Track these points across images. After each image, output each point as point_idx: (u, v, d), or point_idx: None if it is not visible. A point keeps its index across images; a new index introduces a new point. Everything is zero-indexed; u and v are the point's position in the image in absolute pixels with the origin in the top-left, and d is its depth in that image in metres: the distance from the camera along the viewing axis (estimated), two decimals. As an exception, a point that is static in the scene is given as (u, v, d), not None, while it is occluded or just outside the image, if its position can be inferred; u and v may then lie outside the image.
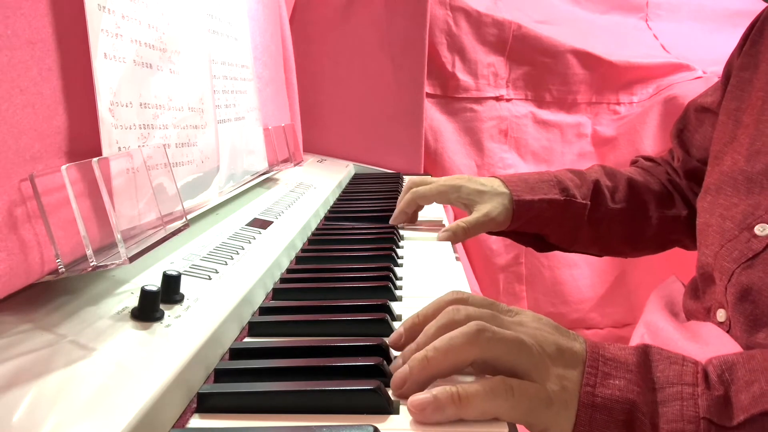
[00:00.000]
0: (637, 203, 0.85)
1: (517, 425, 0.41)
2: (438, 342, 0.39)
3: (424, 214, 0.89)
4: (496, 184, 0.82)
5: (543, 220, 0.82)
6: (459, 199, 0.82)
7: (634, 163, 0.95)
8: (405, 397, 0.38)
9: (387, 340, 0.44)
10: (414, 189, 0.83)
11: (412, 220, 0.87)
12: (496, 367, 0.39)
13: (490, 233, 0.86)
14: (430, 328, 0.42)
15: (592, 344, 0.42)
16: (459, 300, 0.44)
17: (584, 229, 0.84)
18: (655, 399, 0.39)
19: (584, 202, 0.82)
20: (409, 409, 0.36)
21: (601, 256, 0.94)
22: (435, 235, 0.80)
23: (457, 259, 0.72)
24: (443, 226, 0.88)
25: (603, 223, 0.84)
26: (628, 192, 0.85)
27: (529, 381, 0.38)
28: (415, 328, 0.43)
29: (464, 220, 0.79)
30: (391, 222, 0.85)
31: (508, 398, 0.37)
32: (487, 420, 0.37)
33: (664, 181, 0.87)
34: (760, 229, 0.57)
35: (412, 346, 0.42)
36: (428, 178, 0.87)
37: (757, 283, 0.54)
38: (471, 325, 0.39)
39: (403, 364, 0.39)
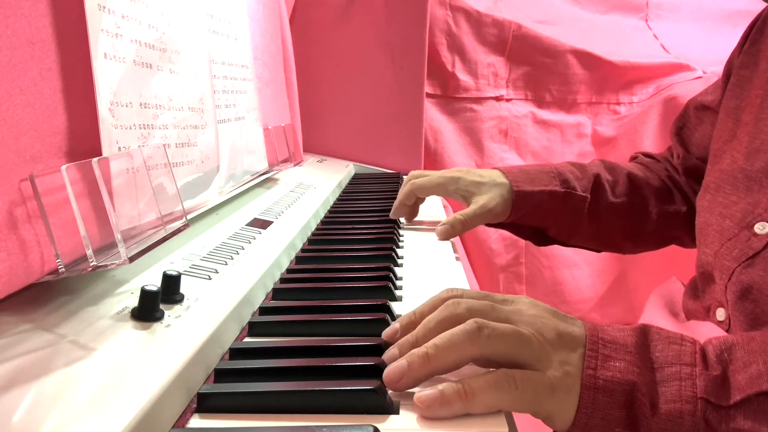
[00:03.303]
0: (637, 198, 0.84)
1: (516, 424, 0.41)
2: (438, 339, 0.39)
3: (423, 213, 0.89)
4: (495, 175, 0.82)
5: (542, 212, 0.82)
6: (457, 191, 0.82)
7: (633, 159, 0.94)
8: (400, 390, 0.39)
9: (382, 334, 0.44)
10: (413, 181, 0.83)
11: (412, 214, 0.86)
12: (498, 362, 0.39)
13: (489, 225, 0.85)
14: (430, 321, 0.42)
15: (592, 327, 0.42)
16: (454, 296, 0.44)
17: (584, 223, 0.83)
18: (654, 379, 0.39)
19: (584, 194, 0.82)
20: (415, 405, 0.36)
21: (600, 251, 0.93)
22: (435, 235, 0.79)
23: (457, 259, 0.72)
24: None
25: (603, 216, 0.84)
26: (629, 186, 0.85)
27: (532, 370, 0.39)
28: (411, 326, 0.43)
29: (461, 213, 0.78)
30: (391, 215, 0.84)
31: (512, 390, 0.37)
32: (486, 417, 0.37)
33: (664, 178, 0.87)
34: (759, 228, 0.56)
35: (410, 338, 0.42)
36: (427, 171, 0.87)
37: (757, 281, 0.54)
38: (471, 323, 0.39)
39: (400, 356, 0.39)
